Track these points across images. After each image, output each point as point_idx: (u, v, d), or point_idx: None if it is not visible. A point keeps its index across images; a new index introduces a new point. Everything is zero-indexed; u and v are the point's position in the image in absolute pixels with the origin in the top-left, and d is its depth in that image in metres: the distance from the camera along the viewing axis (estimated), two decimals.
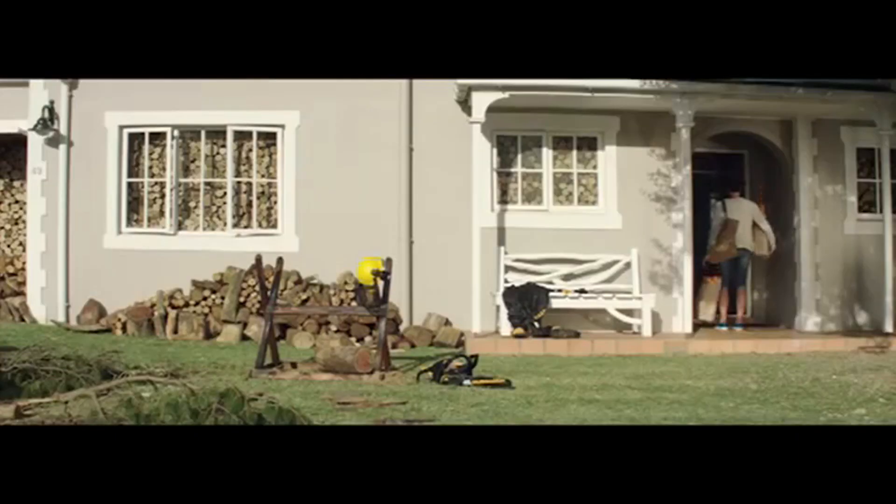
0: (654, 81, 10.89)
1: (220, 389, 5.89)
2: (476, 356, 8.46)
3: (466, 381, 7.87)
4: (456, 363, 8.27)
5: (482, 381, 7.87)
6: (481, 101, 11.32)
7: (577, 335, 11.05)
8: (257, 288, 11.30)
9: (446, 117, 12.18)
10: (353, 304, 11.16)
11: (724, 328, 12.30)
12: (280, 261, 8.97)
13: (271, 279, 9.22)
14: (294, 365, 8.73)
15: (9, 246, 13.68)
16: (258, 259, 8.87)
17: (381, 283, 8.62)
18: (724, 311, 12.59)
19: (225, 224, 12.57)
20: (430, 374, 8.13)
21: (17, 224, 13.75)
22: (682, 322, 11.65)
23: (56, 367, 7.55)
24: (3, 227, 13.80)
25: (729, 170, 13.42)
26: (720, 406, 7.05)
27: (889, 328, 11.55)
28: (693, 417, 6.55)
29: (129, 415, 5.67)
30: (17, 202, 13.76)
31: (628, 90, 11.09)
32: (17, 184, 13.77)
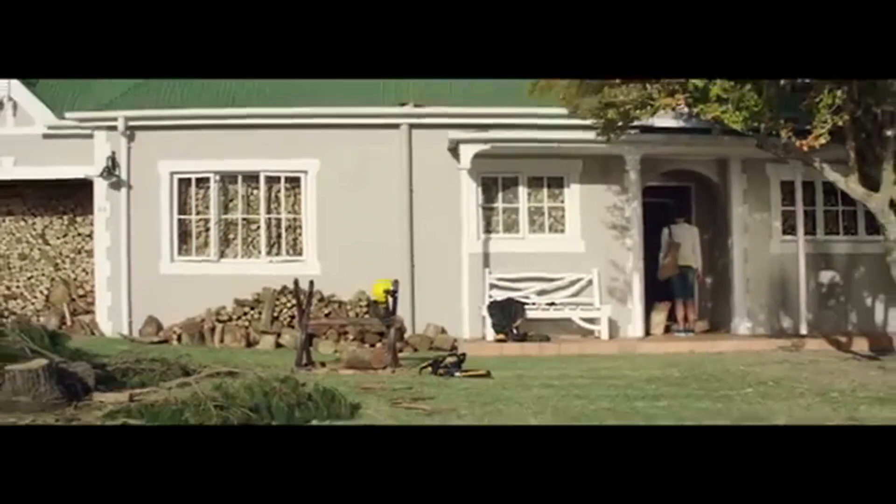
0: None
1: (280, 377, 7.98)
2: (464, 354, 10.38)
3: (457, 373, 9.77)
4: (449, 360, 10.13)
5: (469, 373, 9.77)
6: (468, 151, 13.22)
7: (548, 339, 12.96)
8: (288, 305, 13.39)
9: (440, 163, 13.81)
10: (367, 316, 13.11)
11: (684, 334, 13.80)
12: (311, 284, 10.96)
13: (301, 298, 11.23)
14: (323, 364, 10.65)
15: (73, 272, 15.74)
16: (296, 283, 10.89)
17: (390, 300, 10.70)
18: (680, 319, 14.11)
19: (259, 252, 14.30)
20: (430, 368, 10.01)
21: (80, 253, 15.63)
22: (634, 328, 13.55)
23: (147, 366, 9.42)
24: (68, 257, 15.75)
25: (680, 199, 15.14)
26: (644, 388, 8.96)
27: (804, 331, 13.41)
28: (621, 395, 8.45)
29: (220, 394, 7.60)
30: (79, 235, 15.66)
31: (587, 140, 12.64)
32: (79, 219, 15.62)
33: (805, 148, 9.54)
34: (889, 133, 9.94)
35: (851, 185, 10.32)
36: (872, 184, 10.26)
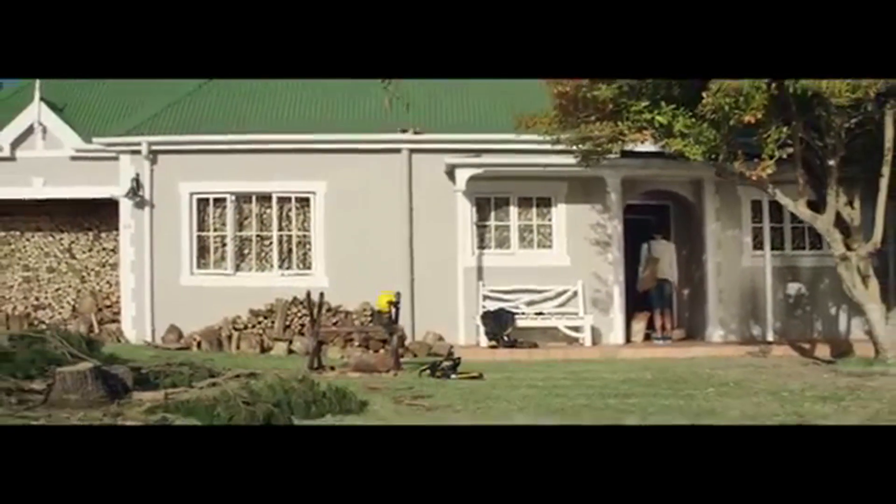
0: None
1: (299, 377, 8.97)
2: (459, 358, 11.35)
3: (453, 375, 10.75)
4: (446, 364, 11.07)
5: (463, 375, 10.75)
6: (463, 175, 14.18)
7: (536, 346, 13.86)
8: (299, 315, 14.38)
9: (437, 185, 14.73)
10: (371, 325, 13.86)
11: (662, 342, 14.69)
12: (321, 295, 12.02)
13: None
14: (332, 368, 11.63)
15: (98, 284, 16.74)
16: (308, 295, 11.92)
17: (393, 310, 11.72)
18: (658, 327, 15.06)
19: (272, 266, 15.26)
20: (428, 371, 10.98)
21: (104, 267, 16.62)
22: (616, 336, 14.50)
23: (176, 369, 10.23)
24: (93, 270, 16.75)
25: (659, 217, 15.99)
26: (618, 388, 9.88)
27: (770, 338, 14.30)
28: (597, 393, 9.39)
29: (247, 392, 8.35)
30: (103, 249, 16.67)
31: (571, 165, 13.48)
32: (103, 235, 16.62)
33: (754, 177, 10.65)
34: (831, 163, 11.05)
35: (800, 208, 11.42)
36: (820, 206, 11.35)
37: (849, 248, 11.30)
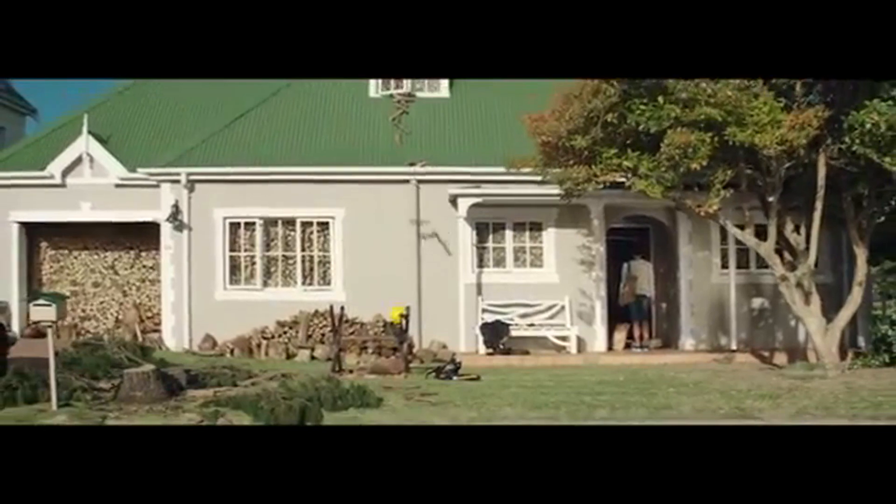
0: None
1: (325, 377, 10.60)
2: (461, 363, 12.92)
3: (454, 377, 12.35)
4: (448, 368, 12.64)
5: (463, 377, 12.34)
6: (464, 203, 15.71)
7: (527, 353, 15.38)
8: (320, 325, 15.98)
9: (442, 212, 16.19)
10: (384, 334, 15.46)
11: (640, 350, 16.21)
12: (342, 308, 13.70)
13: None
14: (351, 371, 13.20)
15: (138, 298, 18.27)
16: (331, 308, 13.59)
17: (404, 322, 13.37)
18: (637, 337, 16.59)
19: (296, 283, 16.72)
20: (434, 374, 12.59)
21: (144, 282, 18.17)
22: (599, 344, 16.02)
23: (220, 371, 11.73)
24: (134, 285, 18.31)
25: (639, 238, 17.52)
26: (594, 387, 11.39)
27: (734, 346, 15.77)
28: (573, 391, 10.93)
29: (283, 389, 9.80)
30: (144, 266, 18.24)
31: (559, 194, 14.54)
32: (143, 254, 18.17)
33: (702, 213, 12.37)
34: (771, 199, 12.76)
35: (747, 236, 13.11)
36: (764, 235, 13.05)
37: (793, 268, 12.98)
